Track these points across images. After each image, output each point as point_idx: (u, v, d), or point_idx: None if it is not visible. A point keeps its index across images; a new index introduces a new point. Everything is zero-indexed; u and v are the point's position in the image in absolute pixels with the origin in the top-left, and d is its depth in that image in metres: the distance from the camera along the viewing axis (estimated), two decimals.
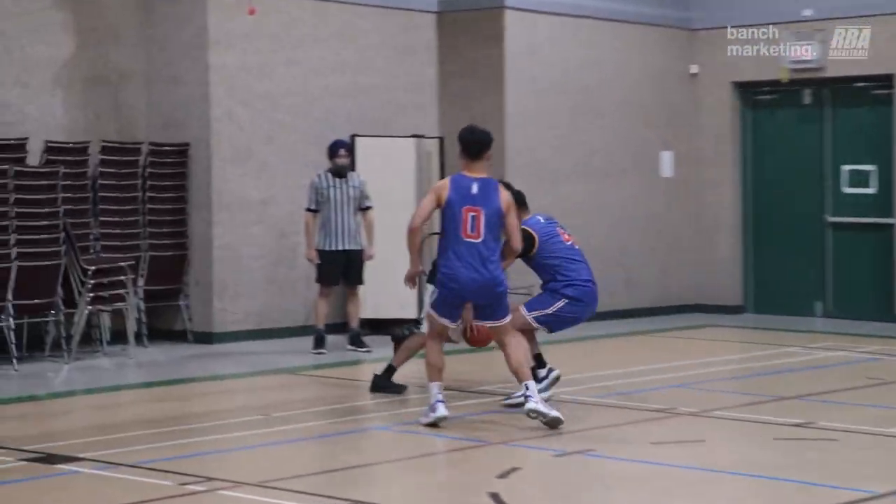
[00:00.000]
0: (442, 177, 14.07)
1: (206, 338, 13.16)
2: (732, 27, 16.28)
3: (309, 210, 12.61)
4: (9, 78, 12.48)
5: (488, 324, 8.90)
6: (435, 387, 8.75)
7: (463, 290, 8.72)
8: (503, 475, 7.35)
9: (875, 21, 15.54)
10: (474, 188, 8.74)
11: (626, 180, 16.12)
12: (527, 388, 8.69)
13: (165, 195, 13.14)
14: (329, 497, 6.88)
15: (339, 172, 12.63)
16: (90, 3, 13.06)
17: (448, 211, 8.76)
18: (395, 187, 14.11)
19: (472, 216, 8.72)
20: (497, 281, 8.75)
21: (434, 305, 8.95)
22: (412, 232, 8.87)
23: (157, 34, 13.44)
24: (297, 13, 13.81)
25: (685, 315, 16.21)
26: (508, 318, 8.91)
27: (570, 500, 7.06)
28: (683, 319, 15.87)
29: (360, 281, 12.79)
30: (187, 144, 13.23)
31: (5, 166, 11.63)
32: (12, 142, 12.14)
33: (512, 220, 8.79)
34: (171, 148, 13.19)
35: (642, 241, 16.21)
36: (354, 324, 12.83)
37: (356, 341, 12.69)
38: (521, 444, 8.30)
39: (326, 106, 14.09)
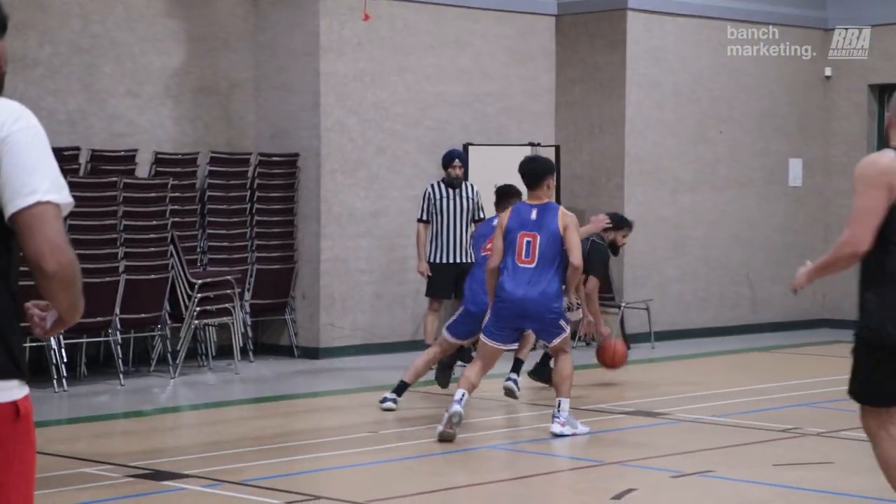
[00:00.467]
0: (559, 185, 14.13)
1: (312, 353, 13.28)
2: (870, 26, 16.05)
3: (420, 221, 12.71)
4: (120, 88, 12.72)
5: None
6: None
7: (510, 311, 9.09)
8: (618, 496, 7.36)
9: None
10: (533, 214, 9.16)
11: (752, 190, 15.99)
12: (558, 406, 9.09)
13: (274, 207, 13.34)
14: None
15: (453, 183, 12.75)
16: (201, 11, 13.26)
17: (507, 237, 9.17)
18: None
19: (528, 241, 9.09)
20: (545, 304, 9.04)
21: (485, 329, 9.26)
22: (489, 273, 9.24)
23: (268, 41, 13.60)
24: (411, 19, 13.90)
25: (813, 331, 16.02)
26: (559, 340, 9.17)
27: None
28: (811, 335, 15.68)
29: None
30: (297, 155, 13.40)
31: (114, 178, 11.92)
32: (122, 153, 12.43)
33: (570, 238, 9.07)
34: (280, 158, 13.36)
35: (769, 253, 16.05)
36: None
37: (466, 357, 12.77)
38: (638, 465, 8.30)
39: (440, 114, 14.18)
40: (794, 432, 9.41)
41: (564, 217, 9.14)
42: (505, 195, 10.96)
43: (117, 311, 11.50)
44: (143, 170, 12.65)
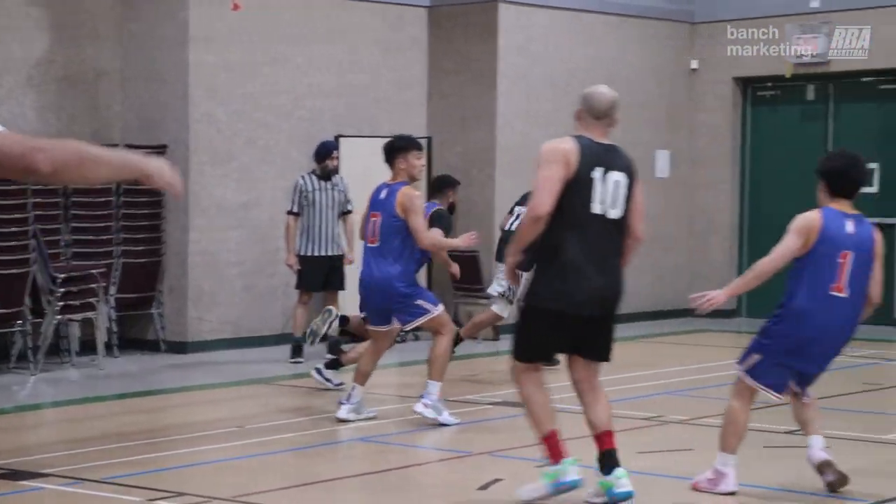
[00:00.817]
0: (429, 177, 14.15)
1: (179, 347, 13.16)
2: (734, 20, 16.37)
3: (291, 213, 12.67)
4: None
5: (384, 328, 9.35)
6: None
7: (363, 293, 9.38)
8: (484, 486, 7.40)
9: (881, 13, 15.60)
10: (382, 194, 9.25)
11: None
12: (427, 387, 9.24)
13: (140, 199, 13.14)
14: None
15: (327, 175, 12.69)
16: (72, 4, 13.09)
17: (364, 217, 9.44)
18: None
19: (373, 221, 9.24)
20: (388, 284, 9.10)
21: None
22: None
23: (136, 30, 13.43)
24: (283, 9, 13.82)
25: (678, 320, 16.27)
26: (418, 321, 9.23)
27: None
28: (676, 324, 15.93)
29: (342, 287, 12.84)
30: (165, 146, 13.22)
31: None
32: None
33: (411, 222, 9.03)
34: (148, 150, 13.20)
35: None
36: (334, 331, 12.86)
37: (336, 349, 12.75)
38: (504, 455, 8.32)
39: (312, 106, 14.13)
40: (657, 420, 9.54)
41: (403, 198, 9.03)
42: (440, 184, 11.09)
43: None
44: None
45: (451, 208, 11.99)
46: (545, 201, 6.48)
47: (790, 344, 6.91)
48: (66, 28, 13.17)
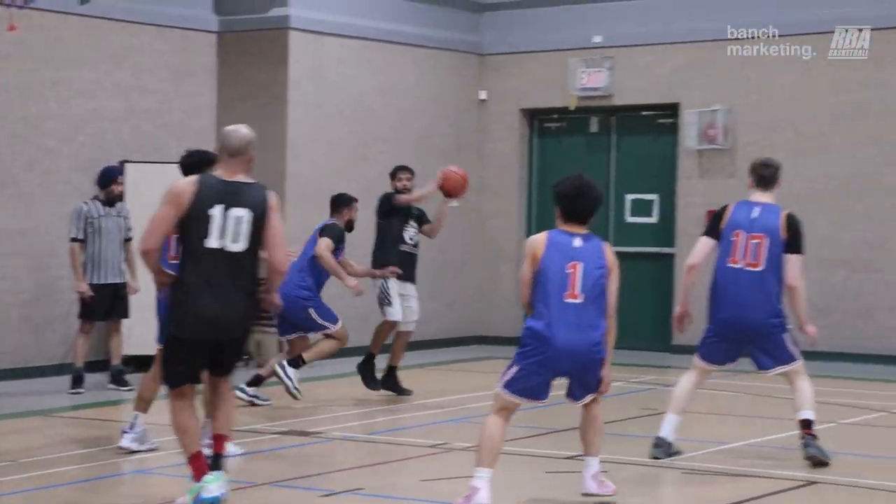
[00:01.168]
0: None
1: None
2: (522, 53, 16.68)
3: (75, 240, 12.36)
4: None
5: None
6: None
7: None
8: None
9: (664, 49, 16.07)
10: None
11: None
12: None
13: None
14: None
15: (112, 201, 12.44)
16: None
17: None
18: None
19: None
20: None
21: None
22: None
23: None
24: (64, 31, 13.59)
25: (468, 347, 16.42)
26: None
27: None
28: (465, 352, 16.06)
29: (126, 315, 12.59)
30: None
31: None
32: None
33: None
34: None
35: (426, 271, 16.30)
36: (117, 361, 12.61)
37: (118, 379, 12.50)
38: (288, 486, 8.26)
39: (95, 130, 13.89)
40: (442, 447, 9.59)
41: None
42: (336, 203, 11.72)
43: None
44: None
45: (349, 226, 11.93)
46: (149, 239, 7.07)
47: (539, 352, 7.30)
48: None
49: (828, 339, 12.99)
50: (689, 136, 15.82)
